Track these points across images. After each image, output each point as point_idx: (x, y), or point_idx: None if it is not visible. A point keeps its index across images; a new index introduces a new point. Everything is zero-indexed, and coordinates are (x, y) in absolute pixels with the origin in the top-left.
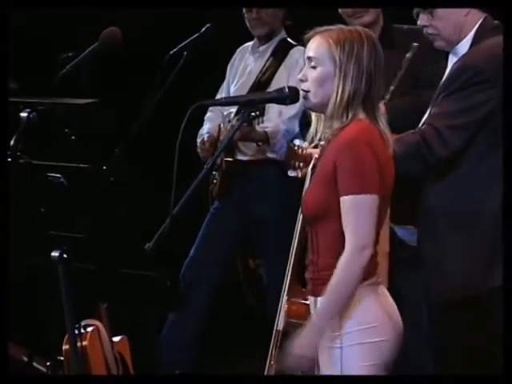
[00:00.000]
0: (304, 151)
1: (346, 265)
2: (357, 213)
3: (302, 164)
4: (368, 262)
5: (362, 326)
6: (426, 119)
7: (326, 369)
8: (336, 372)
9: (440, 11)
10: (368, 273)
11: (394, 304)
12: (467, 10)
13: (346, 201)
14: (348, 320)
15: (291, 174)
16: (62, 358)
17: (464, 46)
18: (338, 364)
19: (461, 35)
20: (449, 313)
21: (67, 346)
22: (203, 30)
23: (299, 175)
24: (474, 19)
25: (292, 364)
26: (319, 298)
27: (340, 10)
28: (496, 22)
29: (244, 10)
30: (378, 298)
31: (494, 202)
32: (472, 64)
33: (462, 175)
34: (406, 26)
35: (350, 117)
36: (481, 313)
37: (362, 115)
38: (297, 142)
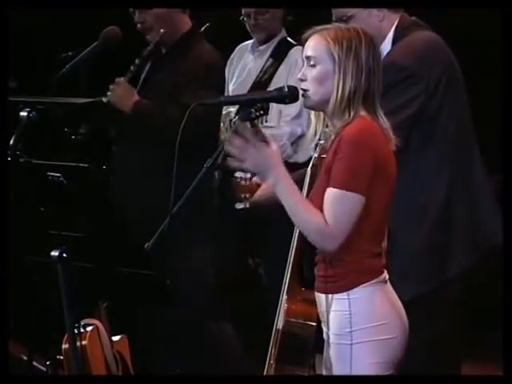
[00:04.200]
0: (247, 182)
1: (312, 227)
2: (338, 207)
3: (248, 195)
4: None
5: (372, 323)
6: None
7: (335, 366)
8: (345, 369)
9: (358, 17)
10: (376, 271)
11: (400, 302)
12: (382, 14)
13: (332, 192)
14: (358, 317)
15: (239, 206)
16: (61, 358)
17: (386, 46)
18: (348, 361)
19: (381, 38)
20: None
21: (67, 346)
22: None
23: (247, 206)
24: (391, 20)
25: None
26: (330, 296)
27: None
28: (413, 18)
29: (243, 14)
30: (386, 295)
31: (439, 193)
32: (392, 64)
33: (403, 172)
34: None
35: (351, 114)
36: (436, 308)
37: (362, 112)
38: (239, 174)
